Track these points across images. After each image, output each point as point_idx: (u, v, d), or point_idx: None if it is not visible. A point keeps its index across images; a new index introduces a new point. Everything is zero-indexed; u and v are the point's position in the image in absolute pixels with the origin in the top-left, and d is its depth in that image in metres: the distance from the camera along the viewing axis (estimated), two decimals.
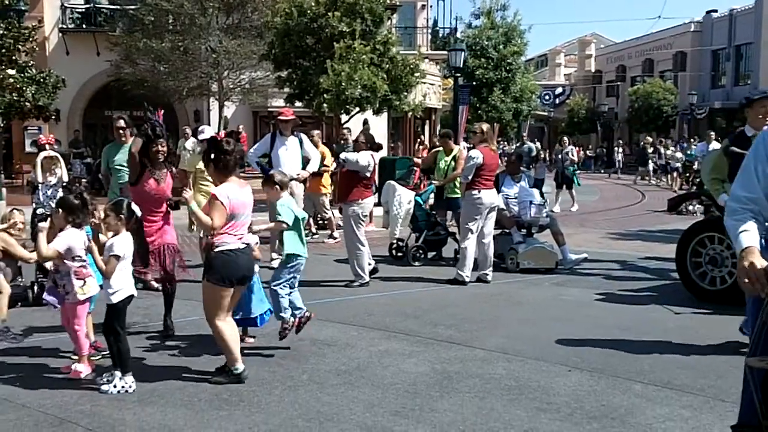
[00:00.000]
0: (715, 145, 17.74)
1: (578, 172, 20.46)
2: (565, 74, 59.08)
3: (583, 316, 7.50)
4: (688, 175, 24.03)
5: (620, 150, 37.19)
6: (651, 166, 29.38)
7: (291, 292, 6.16)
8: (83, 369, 5.42)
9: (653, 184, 28.73)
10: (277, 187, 6.14)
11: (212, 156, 5.31)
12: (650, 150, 29.80)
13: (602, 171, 40.69)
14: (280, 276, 6.09)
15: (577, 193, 19.28)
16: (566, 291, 8.77)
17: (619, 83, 49.78)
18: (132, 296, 5.28)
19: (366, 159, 8.79)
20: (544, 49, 66.13)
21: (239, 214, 5.25)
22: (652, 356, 5.96)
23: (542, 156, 32.62)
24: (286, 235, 6.13)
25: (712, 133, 20.22)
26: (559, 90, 53.83)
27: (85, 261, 5.35)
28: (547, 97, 49.65)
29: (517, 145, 29.46)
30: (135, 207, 5.34)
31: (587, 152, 44.36)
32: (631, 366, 5.70)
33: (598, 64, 55.12)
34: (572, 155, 19.39)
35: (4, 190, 13.48)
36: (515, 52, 32.34)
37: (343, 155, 9.18)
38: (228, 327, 5.32)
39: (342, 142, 14.35)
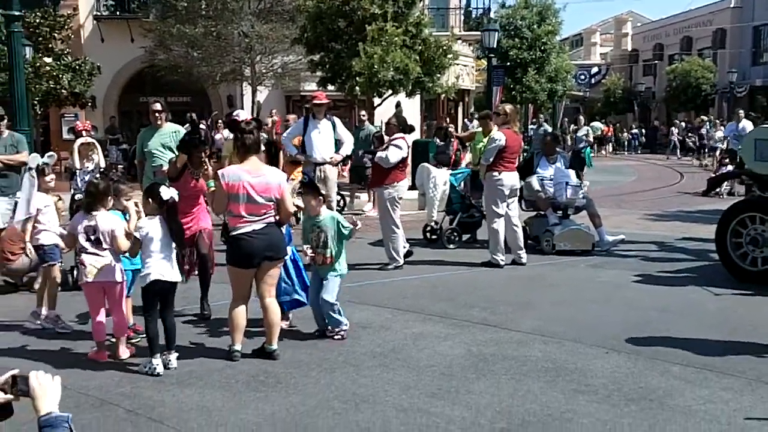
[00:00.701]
0: (745, 124, 17.28)
1: (592, 153, 19.91)
2: (600, 53, 58.08)
3: (620, 297, 7.42)
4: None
5: (675, 130, 36.27)
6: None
7: None
8: (96, 354, 5.51)
9: (695, 165, 28.26)
10: (320, 198, 6.06)
11: (233, 136, 5.56)
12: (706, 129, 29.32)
13: (638, 152, 39.98)
14: (337, 291, 6.04)
15: (611, 175, 18.95)
16: (603, 273, 8.68)
17: (656, 62, 48.84)
18: (164, 281, 5.22)
19: (396, 155, 8.73)
20: (579, 28, 65.08)
21: (240, 195, 5.22)
22: (691, 338, 5.88)
23: (560, 138, 31.95)
24: (342, 253, 6.08)
25: (741, 111, 19.59)
26: (595, 69, 52.98)
27: (84, 247, 5.40)
28: (582, 77, 48.85)
29: (534, 127, 28.96)
30: (170, 190, 5.36)
31: (631, 132, 43.24)
32: (669, 348, 5.63)
33: (635, 43, 54.11)
34: (588, 137, 18.96)
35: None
36: (550, 32, 31.84)
37: (378, 154, 9.06)
38: (236, 311, 5.42)
39: (360, 129, 14.32)
